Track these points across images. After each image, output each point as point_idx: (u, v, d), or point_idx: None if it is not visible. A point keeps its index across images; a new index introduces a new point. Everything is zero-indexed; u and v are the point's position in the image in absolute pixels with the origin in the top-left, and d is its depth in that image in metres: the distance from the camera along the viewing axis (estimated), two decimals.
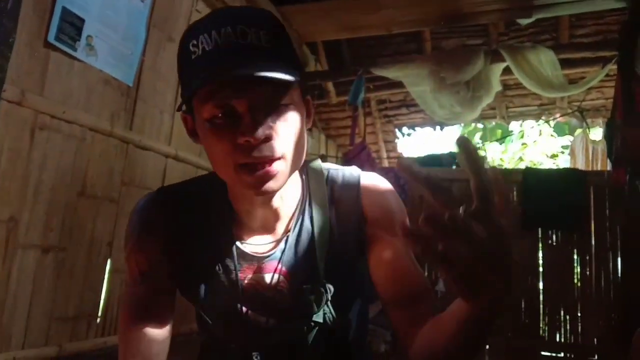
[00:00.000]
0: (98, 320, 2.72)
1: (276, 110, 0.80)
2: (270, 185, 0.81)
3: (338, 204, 0.98)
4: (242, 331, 0.97)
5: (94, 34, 2.51)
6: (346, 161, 4.55)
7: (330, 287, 0.93)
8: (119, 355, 0.96)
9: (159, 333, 0.96)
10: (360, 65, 5.04)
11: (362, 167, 3.76)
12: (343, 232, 0.96)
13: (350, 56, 5.81)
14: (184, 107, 0.88)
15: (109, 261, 2.78)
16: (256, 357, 0.95)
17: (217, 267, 0.95)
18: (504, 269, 0.58)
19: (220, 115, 0.79)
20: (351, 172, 1.03)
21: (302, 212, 0.96)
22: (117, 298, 2.86)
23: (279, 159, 0.81)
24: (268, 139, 0.79)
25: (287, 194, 0.94)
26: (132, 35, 2.78)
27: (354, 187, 0.98)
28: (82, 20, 2.44)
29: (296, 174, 0.96)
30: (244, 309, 0.95)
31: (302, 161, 0.90)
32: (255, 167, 0.80)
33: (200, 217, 0.98)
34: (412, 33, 5.32)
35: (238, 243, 0.95)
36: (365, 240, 0.96)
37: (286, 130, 0.81)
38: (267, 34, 0.80)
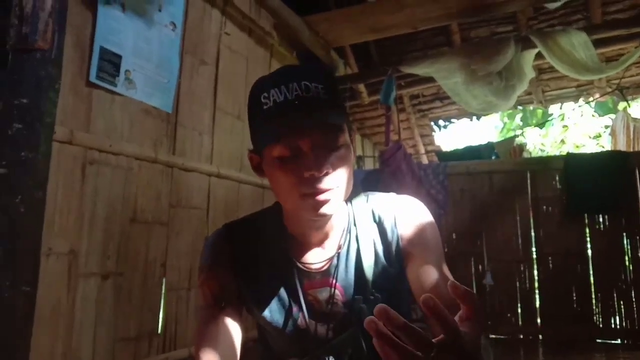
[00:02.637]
0: (158, 337, 2.86)
1: (333, 150, 0.99)
2: (327, 209, 0.98)
3: (378, 225, 1.13)
4: (305, 342, 1.10)
5: (131, 68, 2.65)
6: (382, 162, 4.58)
7: (379, 296, 1.07)
8: None
9: (230, 348, 1.06)
10: (390, 63, 5.05)
11: (399, 166, 3.76)
12: (385, 249, 1.11)
13: (378, 56, 5.83)
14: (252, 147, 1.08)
15: (164, 280, 2.92)
16: None
17: (280, 285, 1.11)
18: None
19: (288, 154, 0.97)
20: (388, 197, 1.18)
21: (349, 233, 1.12)
22: (175, 315, 2.99)
23: (334, 189, 0.98)
24: (327, 173, 0.96)
25: (336, 218, 1.11)
26: (166, 64, 2.91)
27: (391, 210, 1.13)
28: (119, 57, 2.57)
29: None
30: (306, 320, 1.09)
31: (350, 191, 1.06)
32: (316, 195, 0.96)
33: (262, 243, 1.14)
34: (440, 27, 5.29)
35: (296, 262, 1.10)
36: (402, 257, 1.09)
37: (340, 166, 0.99)
38: (324, 87, 0.98)
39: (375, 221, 1.13)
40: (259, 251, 1.13)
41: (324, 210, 0.97)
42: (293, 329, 1.10)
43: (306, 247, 1.11)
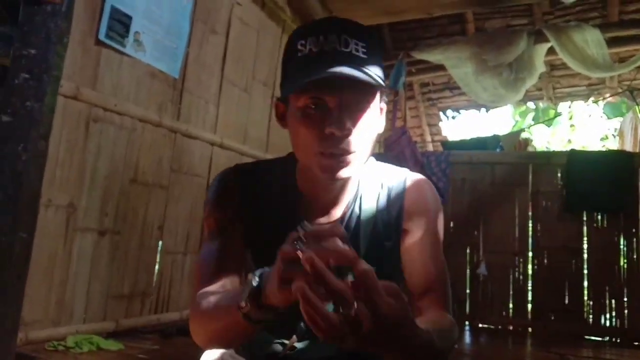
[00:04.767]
0: (151, 298, 2.92)
1: (360, 111, 0.93)
2: (342, 173, 0.94)
3: (385, 197, 1.11)
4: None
5: (141, 30, 2.67)
6: (387, 146, 4.60)
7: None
8: (190, 305, 1.06)
9: (230, 284, 1.04)
10: (402, 48, 5.05)
11: (402, 151, 3.77)
12: (386, 222, 1.09)
13: (391, 40, 5.81)
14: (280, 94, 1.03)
15: (160, 243, 2.97)
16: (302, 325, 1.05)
17: (280, 238, 1.09)
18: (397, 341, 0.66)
19: (313, 106, 0.92)
20: (401, 171, 1.16)
21: (355, 201, 1.10)
22: (169, 278, 3.05)
23: (353, 152, 0.93)
24: (348, 134, 0.91)
25: (346, 185, 1.08)
26: (176, 30, 2.92)
27: (401, 185, 1.12)
28: (130, 18, 2.60)
29: None
30: None
31: (368, 158, 1.03)
32: (333, 156, 0.92)
33: (269, 193, 1.12)
34: (455, 15, 5.26)
35: (300, 220, 1.08)
36: (400, 232, 1.09)
37: (363, 130, 0.94)
38: (365, 46, 0.93)
39: (382, 192, 1.12)
40: (265, 199, 1.11)
41: (338, 173, 0.94)
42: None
43: (312, 207, 1.09)
